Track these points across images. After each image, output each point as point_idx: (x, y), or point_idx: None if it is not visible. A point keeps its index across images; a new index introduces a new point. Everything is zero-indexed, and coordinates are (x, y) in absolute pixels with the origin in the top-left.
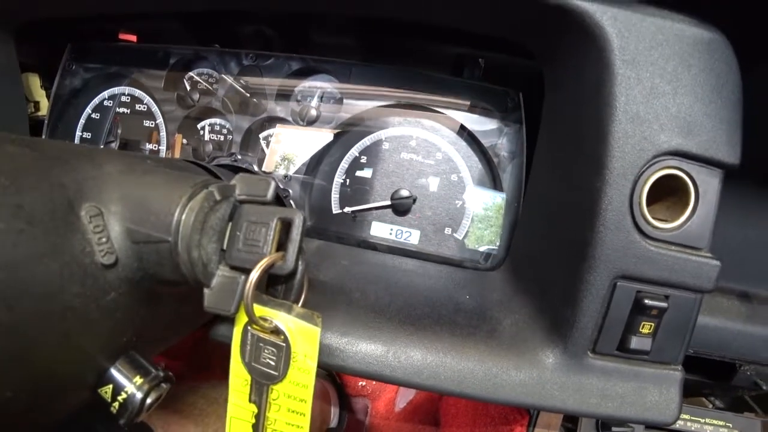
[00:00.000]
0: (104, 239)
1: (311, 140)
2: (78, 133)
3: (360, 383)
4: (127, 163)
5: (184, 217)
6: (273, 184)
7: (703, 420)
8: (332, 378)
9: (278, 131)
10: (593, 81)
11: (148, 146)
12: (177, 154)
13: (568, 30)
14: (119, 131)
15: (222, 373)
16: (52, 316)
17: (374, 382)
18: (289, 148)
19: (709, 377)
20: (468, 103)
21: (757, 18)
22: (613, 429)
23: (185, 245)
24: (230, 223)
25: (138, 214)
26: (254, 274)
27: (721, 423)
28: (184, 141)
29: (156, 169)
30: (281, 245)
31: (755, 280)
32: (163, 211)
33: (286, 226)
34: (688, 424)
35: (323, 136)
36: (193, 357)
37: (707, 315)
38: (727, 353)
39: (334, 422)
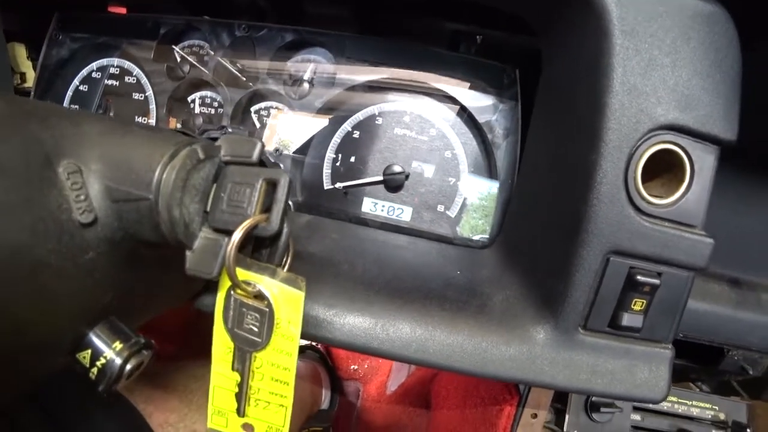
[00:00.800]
0: (82, 197)
1: (304, 115)
2: (66, 105)
3: (352, 366)
4: (109, 125)
5: (165, 174)
6: (259, 145)
7: (690, 402)
8: (324, 361)
9: (276, 109)
10: (591, 52)
11: (138, 119)
12: (168, 117)
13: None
14: (111, 113)
15: (206, 351)
16: (22, 269)
17: (366, 366)
18: (282, 123)
19: (697, 362)
20: (464, 78)
21: None
22: (602, 409)
23: (166, 203)
24: (215, 185)
25: (118, 172)
26: (236, 235)
27: (707, 405)
28: (179, 125)
29: (138, 130)
30: (266, 207)
31: (746, 266)
32: (144, 168)
33: (272, 187)
34: (675, 406)
35: (317, 110)
36: (181, 338)
37: (698, 300)
38: (715, 338)
39: (325, 405)
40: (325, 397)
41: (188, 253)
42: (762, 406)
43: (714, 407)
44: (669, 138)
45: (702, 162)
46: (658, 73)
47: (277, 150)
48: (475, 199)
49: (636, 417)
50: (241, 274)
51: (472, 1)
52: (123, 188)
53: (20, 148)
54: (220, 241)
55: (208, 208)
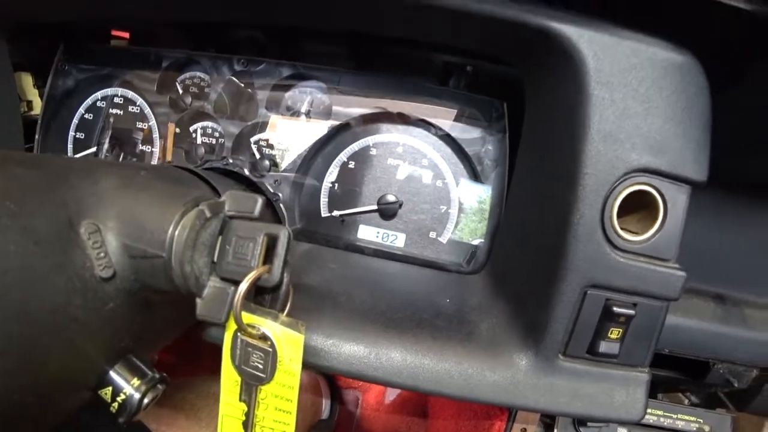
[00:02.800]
0: (102, 254)
1: (301, 146)
2: (71, 133)
3: None
4: (123, 176)
5: (176, 234)
6: (260, 201)
7: (676, 415)
8: None
9: (271, 138)
10: (569, 100)
11: (141, 148)
12: (170, 145)
13: (546, 51)
14: (108, 129)
15: (210, 367)
16: (58, 326)
17: None
18: (280, 154)
19: (685, 374)
20: (454, 111)
21: (727, 40)
22: (589, 424)
23: (178, 260)
24: (220, 237)
25: (134, 230)
26: (243, 286)
27: (692, 418)
28: (177, 130)
29: (150, 183)
30: (268, 257)
31: (729, 283)
32: (157, 228)
33: (273, 240)
34: (661, 419)
35: (314, 141)
36: (182, 350)
37: (683, 315)
38: (701, 353)
39: (325, 414)
40: (325, 407)
41: (198, 300)
42: (747, 418)
43: (699, 420)
44: (643, 180)
45: (674, 201)
46: (632, 121)
47: (276, 180)
48: (466, 226)
49: (623, 430)
50: (247, 318)
51: (459, 46)
52: (139, 246)
53: (49, 217)
54: (227, 289)
55: (215, 259)
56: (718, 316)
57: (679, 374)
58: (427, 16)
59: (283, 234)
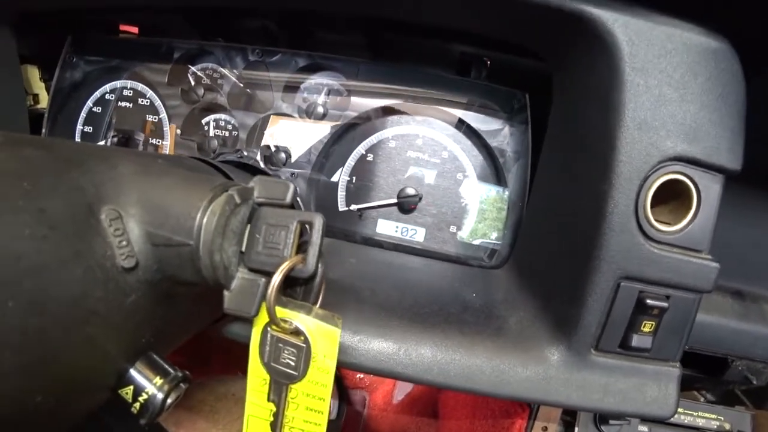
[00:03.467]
0: (124, 242)
1: (318, 139)
2: (79, 127)
3: (358, 375)
4: (141, 163)
5: (205, 220)
6: (292, 188)
7: (696, 413)
8: None
9: (289, 129)
10: (602, 87)
11: (150, 141)
12: (171, 145)
13: (580, 36)
14: (112, 118)
15: (221, 368)
16: (77, 320)
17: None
18: (297, 147)
19: (702, 372)
20: (474, 102)
21: (762, 26)
22: (610, 422)
23: (207, 249)
24: (249, 225)
25: (158, 217)
26: (276, 278)
27: (712, 416)
28: (178, 131)
29: (170, 169)
30: (299, 247)
31: (749, 278)
32: (184, 214)
33: (305, 228)
34: (681, 417)
35: (331, 134)
36: (194, 351)
37: (702, 312)
38: (720, 349)
39: (333, 414)
40: (333, 407)
41: (226, 293)
42: (765, 416)
43: (719, 417)
44: (677, 168)
45: (708, 191)
46: (667, 108)
47: (292, 173)
48: (482, 204)
49: (643, 429)
50: (279, 311)
51: (485, 34)
52: (163, 233)
53: (66, 200)
54: (257, 281)
55: (243, 249)
56: (737, 312)
57: (696, 372)
58: None
59: (318, 221)
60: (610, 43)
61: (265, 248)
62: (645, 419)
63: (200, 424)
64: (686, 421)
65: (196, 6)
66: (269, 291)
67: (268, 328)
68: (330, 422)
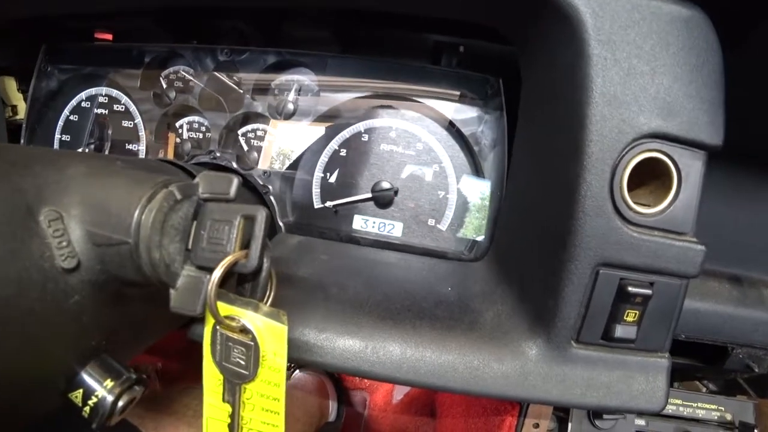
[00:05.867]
0: (64, 243)
1: (290, 136)
2: (57, 136)
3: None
4: (93, 165)
5: (143, 217)
6: (236, 181)
7: (696, 404)
8: (330, 372)
9: (259, 129)
10: (568, 63)
11: (129, 147)
12: (170, 152)
13: (540, 11)
14: (109, 132)
15: None
16: (11, 320)
17: None
18: (269, 145)
19: (702, 361)
20: (447, 91)
21: None
22: (605, 416)
23: (145, 246)
24: (195, 222)
25: (98, 216)
26: (216, 273)
27: (713, 406)
28: (178, 140)
29: (121, 170)
30: (246, 243)
31: (745, 262)
32: (123, 212)
33: (251, 223)
34: (681, 408)
35: (303, 131)
36: (187, 356)
37: (698, 299)
38: (719, 337)
39: (332, 416)
40: (332, 409)
41: (172, 291)
42: None
43: (720, 408)
44: (654, 146)
45: (689, 168)
46: (638, 81)
47: (265, 172)
48: (470, 211)
49: (640, 422)
50: (225, 309)
51: (446, 16)
52: (103, 233)
53: (2, 202)
54: (202, 278)
55: (190, 246)
56: (735, 298)
57: (695, 361)
58: None
59: (261, 214)
60: (573, 16)
61: (209, 244)
62: (632, 413)
63: (182, 429)
64: (685, 412)
65: (166, 8)
66: (209, 287)
67: (217, 327)
68: (329, 424)
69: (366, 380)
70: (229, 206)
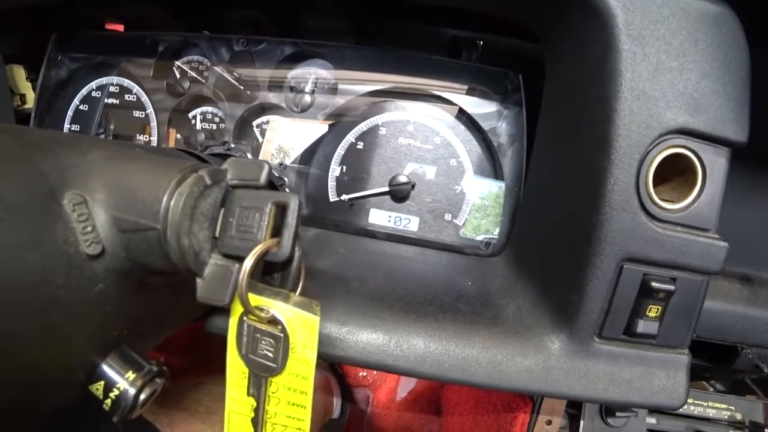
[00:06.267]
0: (89, 228)
1: (306, 128)
2: (66, 126)
3: (361, 373)
4: (114, 149)
5: (172, 203)
6: (266, 168)
7: (706, 403)
8: (334, 369)
9: (274, 119)
10: (597, 58)
11: (140, 138)
12: (158, 141)
13: (570, 5)
14: (111, 126)
15: (222, 368)
16: (34, 309)
17: (375, 373)
18: (285, 136)
19: (711, 361)
20: (466, 85)
21: None
22: (617, 414)
23: (174, 232)
24: (222, 210)
25: (124, 201)
26: (248, 262)
27: (724, 406)
28: (178, 136)
29: (144, 155)
30: (276, 231)
31: (756, 262)
32: (151, 197)
33: (281, 210)
34: (691, 407)
35: (318, 124)
36: (193, 352)
37: (709, 298)
38: (728, 337)
39: (336, 413)
40: (336, 406)
41: (199, 280)
42: None
43: (730, 407)
44: (679, 142)
45: (713, 165)
46: (667, 77)
47: (281, 164)
48: (478, 199)
49: (651, 420)
50: (254, 299)
51: (472, 9)
52: (130, 218)
53: (24, 184)
54: (230, 267)
55: (217, 234)
56: (746, 298)
57: (704, 361)
58: None
59: (294, 202)
60: (603, 10)
61: (239, 232)
62: (653, 409)
63: (195, 426)
64: (696, 411)
65: None
66: (241, 276)
67: (244, 318)
68: (333, 421)
69: (369, 377)
70: (259, 193)
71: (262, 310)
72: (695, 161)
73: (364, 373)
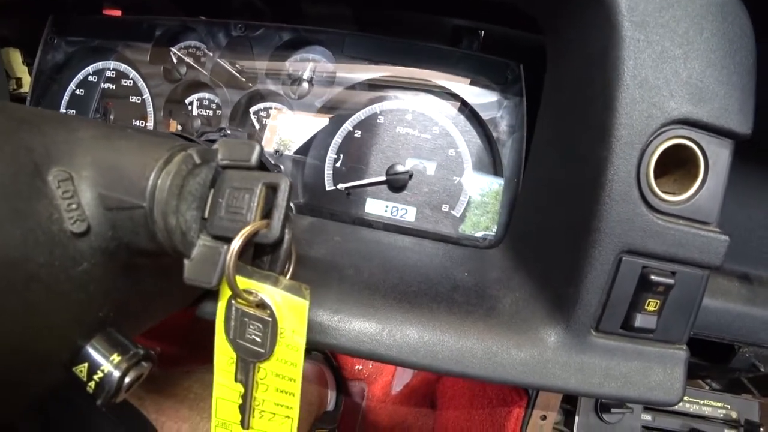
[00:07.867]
0: (74, 206)
1: (304, 116)
2: (62, 111)
3: (357, 367)
4: (104, 129)
5: (159, 181)
6: (258, 148)
7: (702, 401)
8: (329, 362)
9: (272, 107)
10: (600, 45)
11: (136, 124)
12: (153, 126)
13: None
14: (111, 116)
15: (212, 356)
16: (15, 285)
17: (371, 366)
18: (282, 124)
19: (707, 359)
20: (466, 75)
21: None
22: (612, 410)
23: (161, 211)
24: (212, 190)
25: (111, 178)
26: (236, 243)
27: (719, 404)
28: (176, 124)
29: (134, 135)
30: (267, 213)
31: (756, 261)
32: (137, 175)
33: (272, 192)
34: (687, 405)
35: (317, 111)
36: (188, 341)
37: (707, 296)
38: (726, 335)
39: (331, 406)
40: (331, 398)
41: (186, 261)
42: None
43: (726, 406)
44: (682, 132)
45: (716, 157)
46: (670, 66)
47: (277, 151)
48: (480, 197)
49: (647, 417)
50: (242, 282)
51: None
52: (116, 196)
53: (8, 158)
54: (219, 248)
55: (206, 215)
56: (744, 297)
57: (701, 359)
58: None
59: (284, 182)
60: None
61: (228, 213)
62: (649, 405)
63: (183, 412)
64: (692, 409)
65: None
66: (228, 257)
67: (233, 301)
68: (327, 413)
69: (365, 371)
70: (250, 174)
71: (250, 293)
72: (698, 152)
73: (360, 367)
